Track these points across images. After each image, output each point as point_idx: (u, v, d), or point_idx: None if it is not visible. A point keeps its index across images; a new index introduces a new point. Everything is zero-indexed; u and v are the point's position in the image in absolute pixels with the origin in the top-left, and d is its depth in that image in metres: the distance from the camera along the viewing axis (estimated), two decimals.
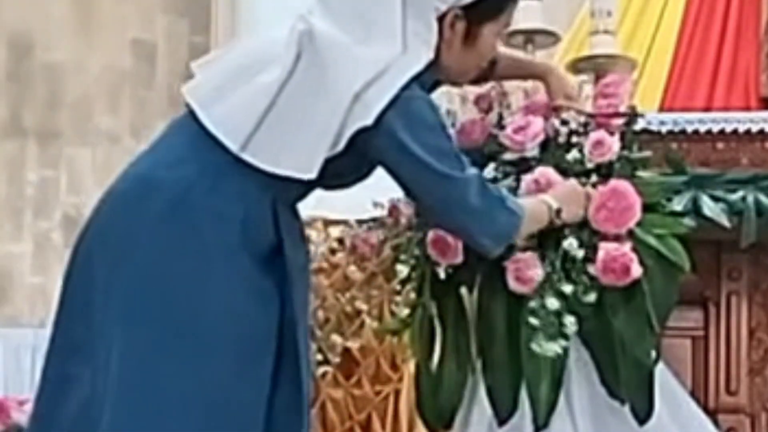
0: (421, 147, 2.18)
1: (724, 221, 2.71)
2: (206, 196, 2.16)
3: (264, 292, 2.19)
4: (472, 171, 2.25)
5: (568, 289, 2.39)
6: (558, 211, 2.38)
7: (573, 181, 2.45)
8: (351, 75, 2.16)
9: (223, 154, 2.17)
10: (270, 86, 2.18)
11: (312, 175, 2.17)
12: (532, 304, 2.40)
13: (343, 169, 2.23)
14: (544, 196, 2.39)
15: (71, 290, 2.24)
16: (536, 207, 2.36)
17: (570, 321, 2.38)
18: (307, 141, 2.17)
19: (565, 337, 2.39)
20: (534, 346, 2.39)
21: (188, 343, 2.11)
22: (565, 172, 2.47)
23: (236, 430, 2.14)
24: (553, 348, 2.38)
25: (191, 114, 2.24)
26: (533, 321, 2.39)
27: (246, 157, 2.16)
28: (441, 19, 2.25)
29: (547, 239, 2.43)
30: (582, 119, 2.52)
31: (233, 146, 2.16)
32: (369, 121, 2.14)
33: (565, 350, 2.47)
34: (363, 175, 2.32)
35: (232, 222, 2.16)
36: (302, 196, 2.30)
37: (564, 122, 2.51)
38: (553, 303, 2.39)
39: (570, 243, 2.40)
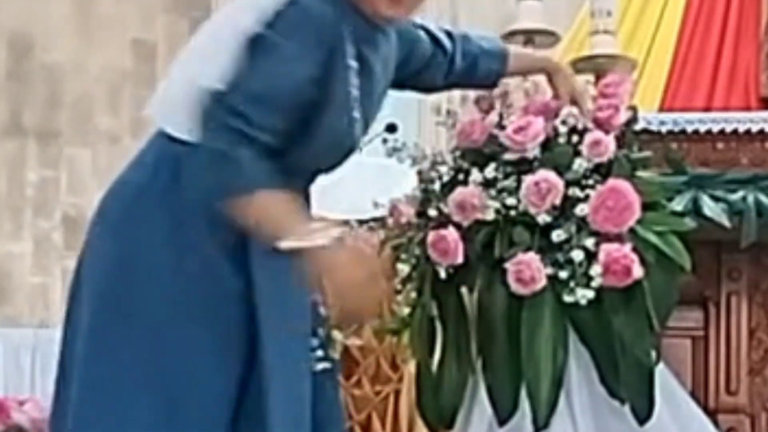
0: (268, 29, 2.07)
1: (724, 221, 2.72)
2: (163, 196, 2.14)
3: (217, 270, 2.13)
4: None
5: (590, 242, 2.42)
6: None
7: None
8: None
9: (176, 144, 2.14)
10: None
11: None
12: (559, 257, 2.41)
13: None
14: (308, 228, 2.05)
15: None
16: (284, 218, 2.05)
17: (596, 271, 2.39)
18: None
19: (591, 287, 2.41)
20: (567, 298, 2.41)
21: (142, 320, 2.11)
22: (562, 173, 2.47)
23: (192, 395, 2.11)
24: (587, 295, 2.40)
25: None
26: (562, 274, 2.41)
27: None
28: None
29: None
30: (587, 122, 2.52)
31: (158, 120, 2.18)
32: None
33: (565, 350, 2.47)
34: None
35: (188, 219, 2.13)
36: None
37: (564, 122, 2.52)
38: (578, 254, 2.40)
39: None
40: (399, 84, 2.42)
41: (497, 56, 2.55)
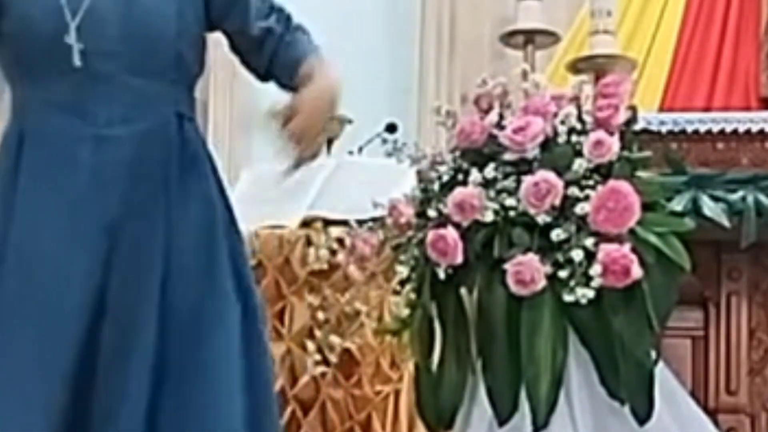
0: None
1: (724, 221, 2.72)
2: None
3: None
4: None
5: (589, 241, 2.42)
6: None
7: None
8: None
9: None
10: None
11: None
12: (559, 258, 2.41)
13: None
14: None
15: None
16: None
17: (596, 271, 2.39)
18: None
19: (591, 286, 2.40)
20: (567, 297, 2.40)
21: None
22: (561, 173, 2.47)
23: None
24: (587, 294, 2.39)
25: None
26: (562, 273, 2.40)
27: None
28: None
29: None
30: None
31: None
32: None
33: (565, 350, 2.47)
34: None
35: None
36: None
37: (563, 122, 2.51)
38: (578, 254, 2.40)
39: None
40: (216, 26, 2.36)
41: (306, 52, 2.35)
